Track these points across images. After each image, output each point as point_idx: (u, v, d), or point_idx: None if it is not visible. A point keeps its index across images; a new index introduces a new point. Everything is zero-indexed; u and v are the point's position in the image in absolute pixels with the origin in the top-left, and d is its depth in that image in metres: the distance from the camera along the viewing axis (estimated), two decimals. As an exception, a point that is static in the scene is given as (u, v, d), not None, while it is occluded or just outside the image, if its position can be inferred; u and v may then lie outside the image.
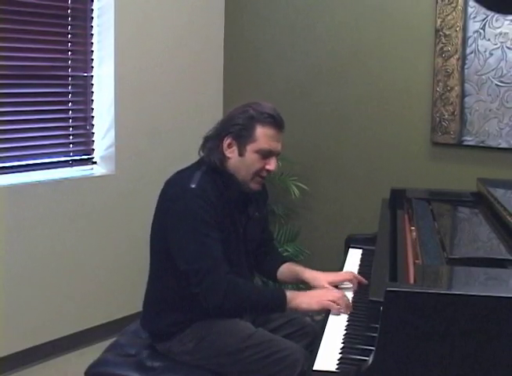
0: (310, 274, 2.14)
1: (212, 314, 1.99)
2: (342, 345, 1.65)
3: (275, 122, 2.02)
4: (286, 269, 2.23)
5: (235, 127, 2.01)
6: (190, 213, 1.92)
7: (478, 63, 3.00)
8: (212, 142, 2.07)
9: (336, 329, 1.76)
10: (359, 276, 2.09)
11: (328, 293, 1.93)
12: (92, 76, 3.29)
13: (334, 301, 1.87)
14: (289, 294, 1.92)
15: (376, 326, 1.40)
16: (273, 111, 2.02)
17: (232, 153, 2.03)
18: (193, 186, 1.96)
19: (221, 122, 2.08)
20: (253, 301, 1.92)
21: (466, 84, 3.04)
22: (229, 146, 2.03)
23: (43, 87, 3.11)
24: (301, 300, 1.91)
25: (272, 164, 2.02)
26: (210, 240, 1.90)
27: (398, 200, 2.51)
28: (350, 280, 2.07)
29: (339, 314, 1.85)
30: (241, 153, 2.01)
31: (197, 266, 1.87)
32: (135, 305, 3.20)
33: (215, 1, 3.75)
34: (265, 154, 2.01)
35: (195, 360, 2.03)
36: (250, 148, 2.00)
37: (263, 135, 1.99)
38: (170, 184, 2.07)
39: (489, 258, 1.65)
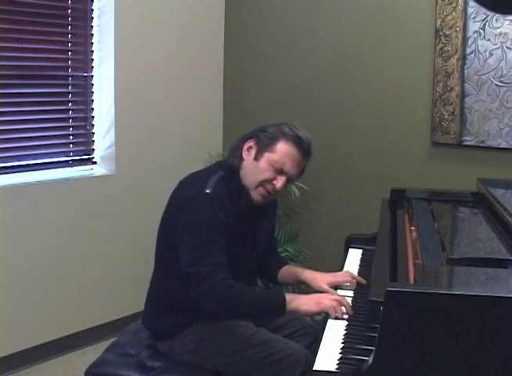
0: (309, 275, 2.15)
1: (209, 318, 1.99)
2: (342, 345, 1.65)
3: (300, 145, 2.01)
4: (285, 271, 2.24)
5: (262, 133, 2.03)
6: (201, 217, 1.92)
7: (478, 63, 3.00)
8: (237, 141, 2.08)
9: (336, 329, 1.76)
10: (358, 277, 2.10)
11: (327, 297, 1.91)
12: (92, 76, 3.29)
13: (333, 306, 1.85)
14: (288, 296, 1.89)
15: (376, 326, 1.40)
16: (304, 136, 2.03)
17: (248, 156, 2.03)
18: (208, 190, 1.96)
19: (254, 129, 2.09)
20: (250, 307, 1.89)
21: (466, 85, 3.04)
22: (249, 149, 2.04)
23: (43, 87, 3.12)
24: (301, 302, 1.89)
25: (279, 182, 2.00)
26: (215, 245, 1.90)
27: (398, 200, 2.51)
28: (349, 282, 2.08)
29: (337, 318, 1.83)
30: (256, 158, 2.01)
31: (198, 269, 1.87)
32: (135, 305, 3.22)
33: (215, 1, 3.75)
34: (278, 169, 2.00)
35: (196, 360, 2.04)
36: (266, 156, 2.00)
37: (283, 150, 2.00)
38: (184, 185, 2.06)
39: (489, 258, 1.65)
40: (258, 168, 2.00)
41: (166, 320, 2.06)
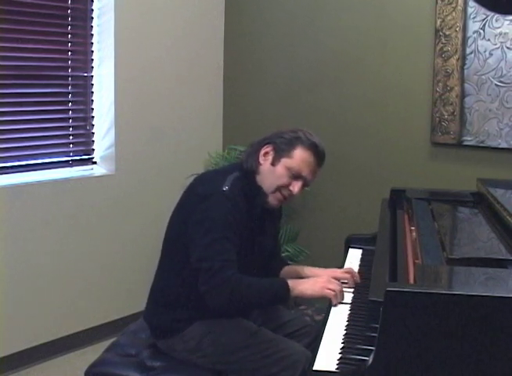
0: (309, 271, 2.20)
1: (216, 312, 2.00)
2: (342, 345, 1.65)
3: (316, 152, 2.06)
4: (286, 271, 2.26)
5: (279, 139, 2.07)
6: (216, 213, 1.94)
7: (478, 63, 3.00)
8: (254, 146, 2.11)
9: (336, 329, 1.76)
10: (356, 274, 2.11)
11: (329, 281, 1.97)
12: (92, 76, 3.29)
13: (335, 290, 1.92)
14: (291, 282, 1.95)
15: (376, 326, 1.40)
16: (319, 143, 2.07)
17: (265, 161, 2.07)
18: (225, 188, 1.99)
19: (271, 134, 2.13)
20: (257, 299, 1.94)
21: (466, 85, 3.04)
22: (266, 154, 2.07)
23: (43, 87, 3.12)
24: (305, 287, 1.95)
25: (295, 187, 2.04)
26: (227, 242, 1.92)
27: (398, 200, 2.51)
28: (347, 278, 2.09)
29: (336, 305, 1.90)
30: (273, 163, 2.05)
31: (209, 265, 1.88)
32: (135, 305, 3.22)
33: (215, 1, 3.75)
34: (294, 175, 2.04)
35: (196, 358, 2.04)
36: (283, 162, 2.03)
37: (300, 156, 2.03)
38: (201, 182, 2.10)
39: (489, 258, 1.65)
40: (275, 174, 2.04)
41: (168, 316, 2.07)
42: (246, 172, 2.07)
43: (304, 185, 2.07)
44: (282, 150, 2.04)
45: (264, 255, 2.19)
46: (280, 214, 2.30)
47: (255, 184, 2.06)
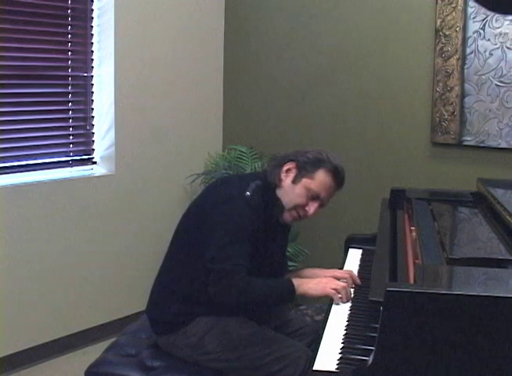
0: (309, 272, 2.25)
1: (222, 309, 2.02)
2: (342, 345, 1.65)
3: (337, 177, 2.12)
4: (288, 276, 2.26)
5: (303, 158, 2.10)
6: (235, 217, 1.98)
7: (478, 63, 3.00)
8: (277, 161, 2.15)
9: (336, 329, 1.76)
10: (355, 276, 2.12)
11: (332, 281, 2.01)
12: (92, 76, 3.29)
13: (337, 290, 1.95)
14: (296, 281, 1.99)
15: (376, 326, 1.40)
16: (341, 168, 2.13)
17: (286, 178, 2.11)
18: (247, 194, 2.03)
19: (295, 151, 2.17)
20: (264, 299, 1.98)
21: (466, 85, 3.04)
22: (288, 171, 2.11)
23: (43, 87, 3.12)
24: (308, 286, 1.99)
25: (311, 208, 2.10)
26: (242, 247, 1.95)
27: (398, 200, 2.51)
28: (346, 278, 2.10)
29: (339, 304, 1.93)
30: (294, 181, 2.09)
31: (220, 267, 1.91)
32: (135, 305, 3.22)
33: (215, 1, 3.75)
34: (313, 196, 2.08)
35: (198, 355, 2.05)
36: (304, 182, 2.08)
37: (321, 179, 2.08)
38: (224, 184, 2.14)
39: (489, 258, 1.65)
40: (294, 192, 2.08)
41: (172, 310, 2.08)
42: (268, 183, 2.11)
43: (320, 206, 2.12)
44: (304, 169, 2.08)
45: (272, 264, 2.21)
46: (290, 226, 2.32)
47: (275, 195, 2.10)
